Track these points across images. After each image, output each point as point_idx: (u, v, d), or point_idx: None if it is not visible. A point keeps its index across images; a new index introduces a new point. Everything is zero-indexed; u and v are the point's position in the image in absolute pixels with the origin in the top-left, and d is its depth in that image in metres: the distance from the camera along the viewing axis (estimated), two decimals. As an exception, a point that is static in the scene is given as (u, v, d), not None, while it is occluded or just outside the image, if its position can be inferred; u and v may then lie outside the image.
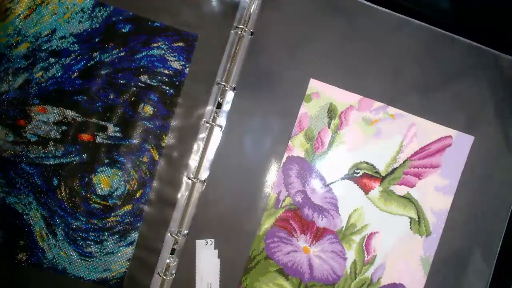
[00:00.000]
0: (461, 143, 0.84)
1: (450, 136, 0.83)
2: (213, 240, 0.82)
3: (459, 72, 0.84)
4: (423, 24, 0.84)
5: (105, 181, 0.81)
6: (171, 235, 0.81)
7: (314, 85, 0.83)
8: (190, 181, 0.82)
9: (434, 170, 0.83)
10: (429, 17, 0.85)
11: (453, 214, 0.84)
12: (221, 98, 0.82)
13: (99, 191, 0.81)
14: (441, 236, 0.83)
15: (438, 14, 0.88)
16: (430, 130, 0.83)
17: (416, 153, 0.83)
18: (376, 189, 0.83)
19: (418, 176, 0.83)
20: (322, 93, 0.83)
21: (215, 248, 0.82)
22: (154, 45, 0.81)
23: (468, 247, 0.84)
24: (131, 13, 0.80)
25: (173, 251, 0.82)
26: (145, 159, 0.81)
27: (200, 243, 0.82)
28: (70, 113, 0.80)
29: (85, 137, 0.80)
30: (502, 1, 0.86)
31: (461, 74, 0.84)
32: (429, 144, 0.83)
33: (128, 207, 0.81)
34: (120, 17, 0.80)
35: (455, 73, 0.84)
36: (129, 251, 0.81)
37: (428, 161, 0.83)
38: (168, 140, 0.82)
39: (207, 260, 0.82)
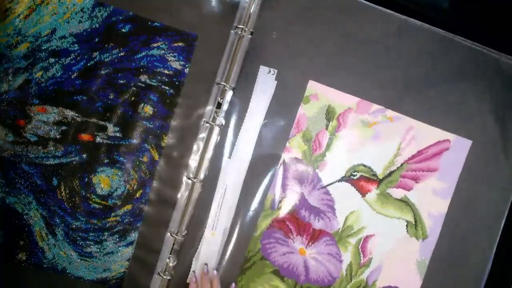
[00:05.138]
0: (459, 147, 0.84)
1: (448, 140, 0.84)
2: (276, 70, 0.83)
3: (459, 75, 0.84)
4: (424, 25, 0.83)
5: (105, 181, 0.81)
6: (171, 235, 0.82)
7: (313, 86, 0.83)
8: (190, 181, 0.83)
9: (432, 173, 0.84)
10: (429, 18, 0.84)
11: (450, 217, 0.84)
12: (221, 98, 0.83)
13: (99, 191, 0.81)
14: (437, 240, 0.84)
15: (439, 15, 0.87)
16: (428, 134, 0.84)
17: (413, 156, 0.84)
18: (373, 192, 0.84)
19: (416, 179, 0.84)
20: (320, 95, 0.83)
21: (275, 80, 0.83)
22: (154, 45, 0.81)
23: (464, 251, 0.85)
24: (131, 13, 0.80)
25: (173, 251, 0.83)
26: (145, 159, 0.82)
27: (263, 69, 0.83)
28: (70, 113, 0.80)
29: (85, 137, 0.81)
30: (502, 1, 0.85)
31: (460, 77, 0.84)
32: (426, 148, 0.84)
33: (128, 207, 0.82)
34: (120, 17, 0.80)
35: (454, 76, 0.84)
36: (129, 251, 0.82)
37: (426, 165, 0.84)
38: (168, 140, 0.82)
39: (267, 83, 0.83)
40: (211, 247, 0.83)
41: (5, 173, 0.80)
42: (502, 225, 0.85)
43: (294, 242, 0.84)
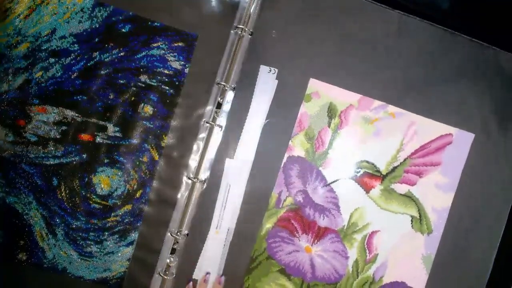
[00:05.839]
0: (462, 141, 0.84)
1: (450, 134, 0.83)
2: (276, 69, 0.82)
3: (459, 75, 0.84)
4: (424, 25, 0.84)
5: (105, 181, 0.81)
6: (171, 235, 0.81)
7: (314, 84, 0.83)
8: (190, 181, 0.82)
9: (435, 168, 0.83)
10: (430, 15, 0.85)
11: (454, 211, 0.84)
12: (221, 98, 0.82)
13: (99, 191, 0.80)
14: (442, 234, 0.83)
15: (439, 13, 0.88)
16: (430, 128, 0.83)
17: (416, 151, 0.83)
18: (377, 188, 0.83)
19: (419, 174, 0.83)
20: (322, 92, 0.83)
21: (276, 79, 0.83)
22: (154, 45, 0.81)
23: (468, 245, 0.84)
24: (131, 13, 0.80)
25: (173, 251, 0.82)
26: (145, 159, 0.81)
27: (263, 69, 0.82)
28: (70, 113, 0.79)
29: (85, 137, 0.80)
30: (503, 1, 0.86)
31: (460, 77, 0.84)
32: (429, 142, 0.83)
33: (128, 207, 0.81)
34: (120, 17, 0.80)
35: (454, 76, 0.84)
36: (129, 251, 0.81)
37: (429, 159, 0.83)
38: (168, 140, 0.82)
39: (267, 83, 0.83)
40: (216, 246, 0.82)
41: (5, 173, 0.79)
42: (505, 219, 0.85)
43: (299, 240, 0.83)
